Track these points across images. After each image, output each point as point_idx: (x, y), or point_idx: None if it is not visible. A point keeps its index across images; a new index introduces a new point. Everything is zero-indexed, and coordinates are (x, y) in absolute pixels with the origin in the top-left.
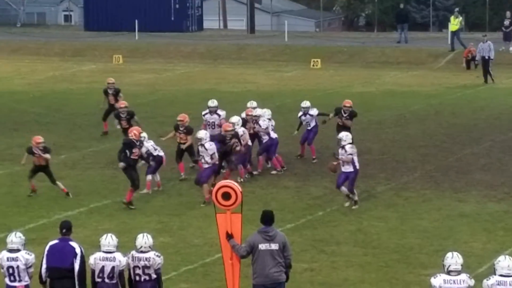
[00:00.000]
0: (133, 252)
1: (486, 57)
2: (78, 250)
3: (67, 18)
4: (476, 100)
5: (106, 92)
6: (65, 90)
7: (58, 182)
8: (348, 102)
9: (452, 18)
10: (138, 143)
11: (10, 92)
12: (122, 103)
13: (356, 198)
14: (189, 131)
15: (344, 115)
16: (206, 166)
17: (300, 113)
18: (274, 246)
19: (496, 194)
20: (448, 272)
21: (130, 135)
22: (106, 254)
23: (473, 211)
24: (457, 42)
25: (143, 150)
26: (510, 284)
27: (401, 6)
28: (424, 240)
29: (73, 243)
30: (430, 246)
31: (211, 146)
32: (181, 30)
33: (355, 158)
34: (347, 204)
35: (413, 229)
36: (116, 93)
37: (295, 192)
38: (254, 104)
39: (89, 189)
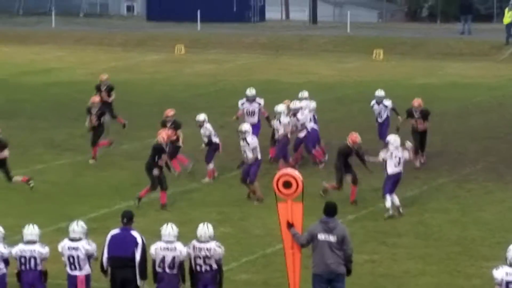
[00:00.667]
0: (194, 242)
1: None
2: (139, 240)
3: (130, 8)
4: None
5: (98, 88)
6: (127, 80)
7: (14, 178)
8: (416, 101)
9: (506, 10)
10: (166, 147)
11: (73, 82)
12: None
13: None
14: (177, 125)
15: (416, 117)
16: (248, 162)
17: (373, 102)
18: (332, 238)
19: None
20: (511, 265)
21: (158, 139)
22: (167, 244)
23: None
24: None
25: (206, 133)
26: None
27: None
28: (486, 233)
29: (134, 233)
30: (492, 238)
31: (253, 140)
32: (243, 20)
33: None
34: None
35: (475, 221)
36: (110, 89)
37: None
38: (306, 94)
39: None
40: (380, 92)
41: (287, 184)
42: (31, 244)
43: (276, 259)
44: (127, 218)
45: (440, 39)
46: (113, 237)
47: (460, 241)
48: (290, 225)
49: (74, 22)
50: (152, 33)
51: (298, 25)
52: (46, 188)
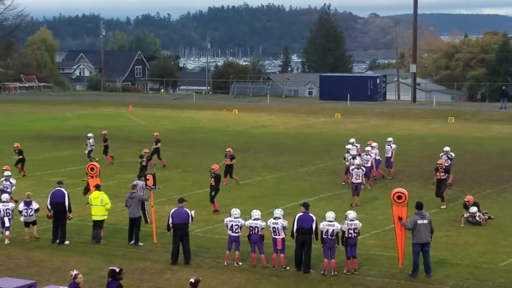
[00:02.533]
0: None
1: None
2: (190, 213)
3: (310, 92)
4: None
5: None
6: (307, 132)
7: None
8: (469, 198)
9: None
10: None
11: (278, 133)
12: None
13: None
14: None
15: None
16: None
17: (441, 154)
18: (426, 221)
19: None
20: None
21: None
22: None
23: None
24: None
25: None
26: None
27: (503, 87)
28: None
29: (186, 209)
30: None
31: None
32: (373, 100)
33: None
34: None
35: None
36: (157, 141)
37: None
38: (352, 139)
39: (319, 187)
40: (447, 148)
41: (399, 197)
42: (256, 220)
43: (389, 233)
44: (180, 201)
45: (487, 111)
46: (174, 212)
47: (497, 226)
48: (400, 218)
49: (279, 100)
50: (322, 106)
51: (405, 102)
52: (262, 190)
